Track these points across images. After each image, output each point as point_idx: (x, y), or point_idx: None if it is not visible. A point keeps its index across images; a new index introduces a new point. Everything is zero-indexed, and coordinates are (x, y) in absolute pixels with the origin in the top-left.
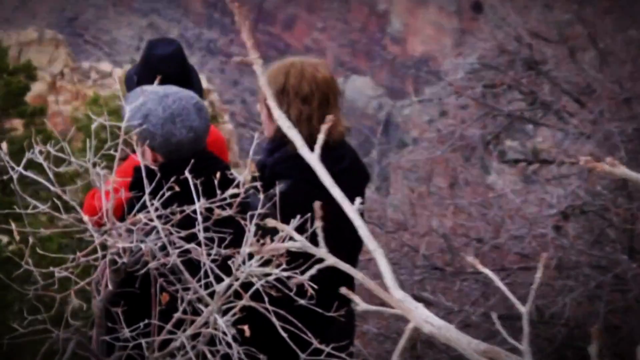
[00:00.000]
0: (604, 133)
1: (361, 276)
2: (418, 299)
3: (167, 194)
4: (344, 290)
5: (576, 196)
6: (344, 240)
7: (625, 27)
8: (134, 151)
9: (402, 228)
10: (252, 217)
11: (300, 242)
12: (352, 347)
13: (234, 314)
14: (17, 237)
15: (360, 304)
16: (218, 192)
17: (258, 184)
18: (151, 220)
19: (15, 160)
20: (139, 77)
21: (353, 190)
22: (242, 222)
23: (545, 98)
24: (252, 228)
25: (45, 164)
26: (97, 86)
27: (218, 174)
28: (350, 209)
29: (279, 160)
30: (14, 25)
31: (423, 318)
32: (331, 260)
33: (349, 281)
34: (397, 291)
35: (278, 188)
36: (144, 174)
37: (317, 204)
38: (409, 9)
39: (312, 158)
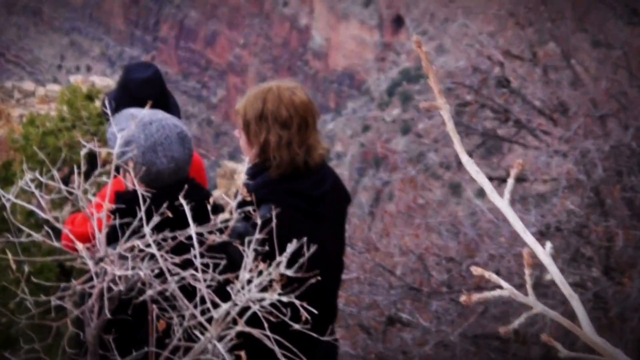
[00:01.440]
0: (581, 150)
1: (566, 322)
2: (395, 319)
3: (157, 220)
4: (544, 337)
5: (551, 214)
6: (331, 263)
7: (598, 45)
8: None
9: (373, 248)
10: (249, 242)
11: (508, 290)
12: None
13: (231, 340)
14: (14, 267)
15: (563, 351)
16: (212, 217)
17: (250, 208)
18: (148, 246)
19: None
20: (117, 102)
21: (335, 212)
22: (240, 247)
23: (518, 116)
24: (251, 253)
25: (37, 192)
26: (20, 105)
27: (211, 200)
28: (502, 203)
29: (260, 185)
30: None
31: None
32: (539, 308)
33: (332, 307)
34: (595, 335)
35: (260, 213)
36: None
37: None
38: (330, 24)
39: (503, 204)
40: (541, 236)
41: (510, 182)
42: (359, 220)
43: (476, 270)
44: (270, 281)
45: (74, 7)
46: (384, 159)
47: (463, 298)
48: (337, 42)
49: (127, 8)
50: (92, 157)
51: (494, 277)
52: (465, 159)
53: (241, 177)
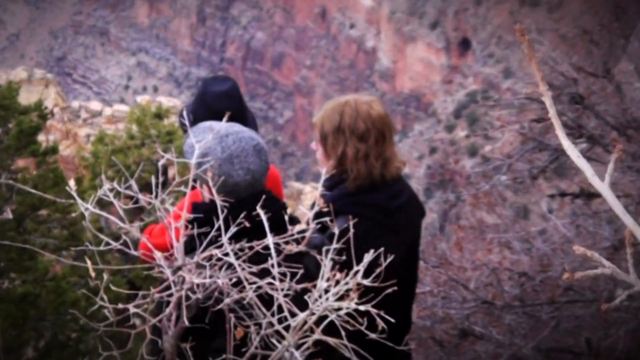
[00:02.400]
0: None
1: None
2: (468, 332)
3: (234, 230)
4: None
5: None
6: (406, 274)
7: None
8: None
9: (446, 262)
10: (327, 251)
11: (611, 268)
12: None
13: (308, 348)
14: (93, 275)
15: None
16: (289, 227)
17: (327, 219)
18: (225, 255)
19: (27, 199)
20: (195, 114)
21: (410, 226)
22: (318, 257)
23: (592, 132)
24: (328, 262)
25: (115, 202)
26: (87, 125)
27: (288, 211)
28: (603, 187)
29: (337, 197)
30: (3, 65)
31: None
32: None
33: (407, 318)
34: None
35: (337, 224)
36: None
37: None
38: (397, 46)
39: (603, 188)
40: (615, 250)
41: (611, 166)
42: (431, 236)
43: (578, 249)
44: (347, 290)
45: (140, 28)
46: (450, 181)
47: (566, 276)
48: (404, 64)
49: (194, 29)
50: (164, 171)
51: (595, 256)
52: (567, 144)
53: (318, 189)
